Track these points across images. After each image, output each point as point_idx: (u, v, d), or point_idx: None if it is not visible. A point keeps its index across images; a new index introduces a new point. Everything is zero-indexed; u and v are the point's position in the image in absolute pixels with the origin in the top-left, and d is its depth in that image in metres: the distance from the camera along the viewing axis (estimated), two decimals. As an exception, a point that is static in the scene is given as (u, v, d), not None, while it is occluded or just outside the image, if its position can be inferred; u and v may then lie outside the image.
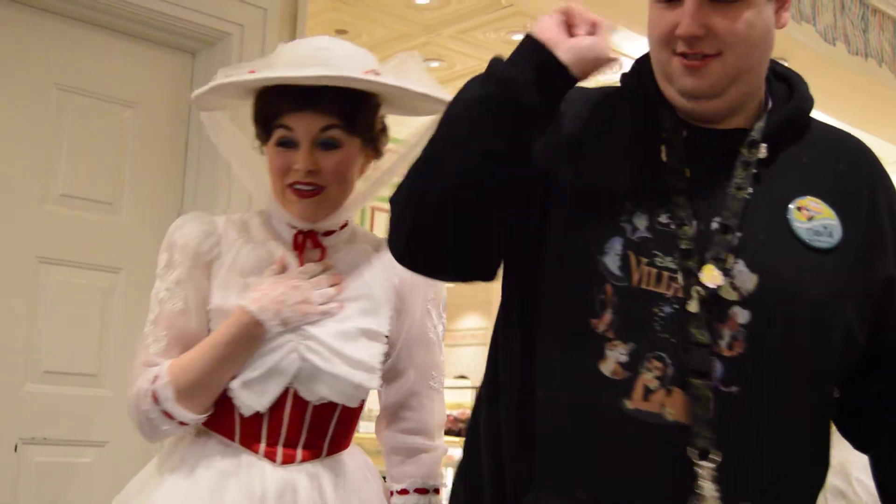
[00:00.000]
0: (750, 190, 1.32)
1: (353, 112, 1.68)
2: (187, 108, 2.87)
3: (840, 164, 1.41)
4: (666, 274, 1.27)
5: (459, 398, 8.35)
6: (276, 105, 1.67)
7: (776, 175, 1.35)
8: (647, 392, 1.24)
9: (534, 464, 1.30)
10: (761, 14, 1.32)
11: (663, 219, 1.30)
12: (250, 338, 1.61)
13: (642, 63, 1.44)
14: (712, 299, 1.25)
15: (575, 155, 1.38)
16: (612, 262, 1.29)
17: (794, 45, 5.09)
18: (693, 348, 1.24)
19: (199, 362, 1.60)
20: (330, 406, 1.67)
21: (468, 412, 5.98)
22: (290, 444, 1.65)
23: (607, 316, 1.27)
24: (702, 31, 1.29)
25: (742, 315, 1.26)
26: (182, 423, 1.60)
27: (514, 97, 1.25)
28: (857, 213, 1.35)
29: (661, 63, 1.36)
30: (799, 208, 1.32)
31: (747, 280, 1.27)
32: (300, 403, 1.65)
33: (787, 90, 1.44)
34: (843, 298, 1.31)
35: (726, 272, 1.26)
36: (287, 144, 1.66)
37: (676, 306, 1.26)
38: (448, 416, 6.21)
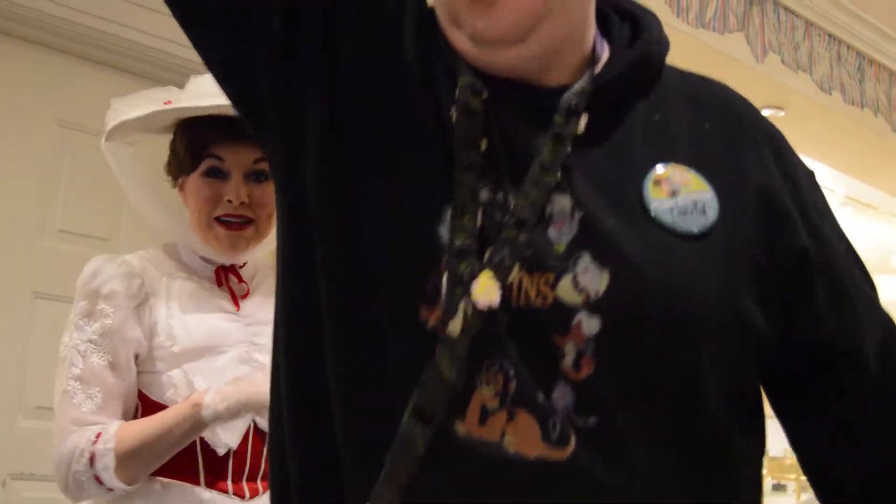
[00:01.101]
0: (558, 174, 0.95)
1: None
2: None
3: (708, 121, 1.07)
4: None
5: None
6: (205, 135, 1.63)
7: (625, 138, 1.01)
8: (485, 413, 0.90)
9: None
10: None
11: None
12: (197, 431, 1.55)
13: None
14: (482, 321, 0.90)
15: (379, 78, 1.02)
16: (446, 233, 0.94)
17: (791, 94, 5.14)
18: (524, 368, 0.90)
19: (146, 439, 1.54)
20: None
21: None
22: (253, 477, 1.64)
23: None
24: None
25: (589, 324, 0.91)
26: (109, 490, 1.55)
27: None
28: (739, 178, 1.03)
29: (447, 2, 1.00)
30: (657, 182, 0.99)
31: (595, 278, 0.92)
32: (260, 435, 1.63)
33: (632, 33, 1.08)
34: (728, 292, 0.97)
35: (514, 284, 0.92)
36: (216, 175, 1.63)
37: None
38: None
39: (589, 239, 0.93)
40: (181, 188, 1.71)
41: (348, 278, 0.97)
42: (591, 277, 0.91)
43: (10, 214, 2.62)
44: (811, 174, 1.12)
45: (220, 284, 1.70)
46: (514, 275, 0.92)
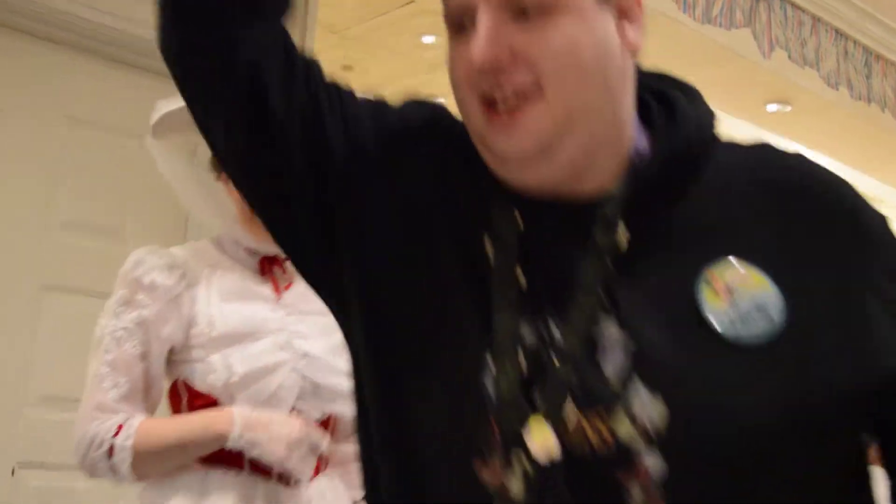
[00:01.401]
0: (602, 297, 0.89)
1: None
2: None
3: (770, 205, 0.94)
4: None
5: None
6: None
7: (671, 245, 0.92)
8: None
9: None
10: (590, 26, 0.92)
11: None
12: (218, 446, 1.56)
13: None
14: (542, 474, 0.84)
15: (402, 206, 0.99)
16: (491, 383, 0.88)
17: (798, 90, 5.13)
18: None
19: (165, 446, 1.57)
20: (328, 420, 1.66)
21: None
22: None
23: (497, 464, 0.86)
24: (504, 51, 0.90)
25: (653, 463, 0.83)
26: (120, 481, 1.59)
27: None
28: (812, 273, 0.90)
29: (470, 119, 0.96)
30: (710, 285, 0.89)
31: (652, 410, 0.84)
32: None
33: (668, 116, 0.99)
34: (803, 408, 0.85)
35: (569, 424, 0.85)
36: None
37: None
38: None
39: (641, 366, 0.85)
40: (225, 181, 1.72)
41: (402, 438, 0.94)
42: (648, 410, 0.84)
43: (18, 208, 2.64)
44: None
45: (263, 274, 1.71)
46: (568, 414, 0.85)
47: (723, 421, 0.83)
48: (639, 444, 0.83)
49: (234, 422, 1.55)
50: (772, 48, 4.85)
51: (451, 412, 0.90)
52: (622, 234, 0.91)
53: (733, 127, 6.16)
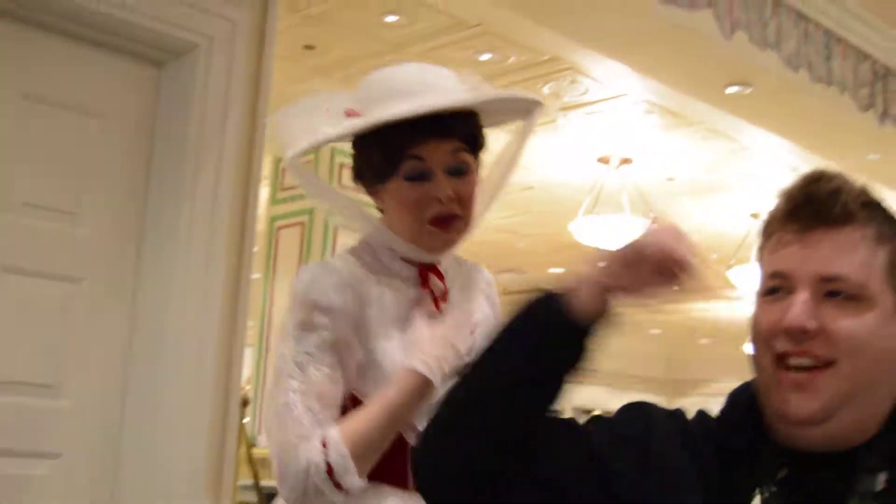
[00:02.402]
0: None
1: (474, 133, 1.66)
2: (153, 119, 2.87)
3: None
4: None
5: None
6: (400, 137, 1.60)
7: None
8: None
9: None
10: (888, 323, 1.08)
11: None
12: (422, 397, 1.55)
13: (740, 394, 1.21)
14: None
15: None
16: None
17: (759, 71, 5.16)
18: None
19: (373, 427, 1.55)
20: None
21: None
22: None
23: None
24: (813, 323, 1.06)
25: None
26: (347, 493, 1.53)
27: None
28: None
29: (761, 372, 1.13)
30: None
31: None
32: None
33: None
34: None
35: None
36: (419, 177, 1.60)
37: None
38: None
39: None
40: (374, 194, 1.71)
41: None
42: None
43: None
44: None
45: (423, 285, 1.70)
46: None
47: None
48: None
49: (415, 364, 1.56)
50: (733, 30, 4.87)
51: None
52: (881, 479, 1.07)
53: (692, 107, 6.18)
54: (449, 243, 1.67)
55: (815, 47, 5.39)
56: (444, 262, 1.73)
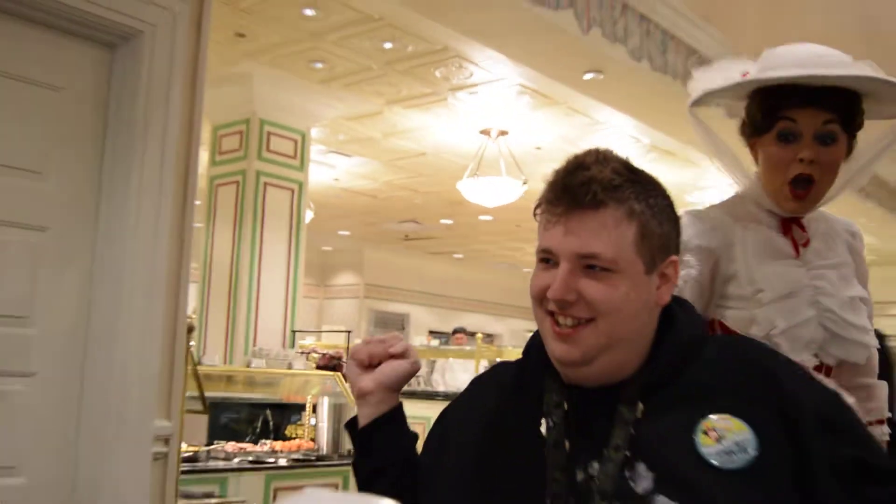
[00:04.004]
0: (627, 453, 1.06)
1: (851, 111, 1.58)
2: (107, 93, 2.81)
3: (743, 375, 1.13)
4: None
5: (336, 340, 8.40)
6: (780, 100, 1.55)
7: (680, 404, 1.10)
8: None
9: None
10: (638, 286, 1.11)
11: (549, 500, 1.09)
12: None
13: (535, 337, 1.24)
14: None
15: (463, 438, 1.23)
16: None
17: (609, 61, 5.26)
18: None
19: None
20: (841, 365, 1.62)
21: (342, 352, 6.01)
22: None
23: None
24: (572, 295, 1.09)
25: None
26: None
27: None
28: (768, 414, 1.08)
29: (539, 322, 1.16)
30: (706, 431, 1.07)
31: None
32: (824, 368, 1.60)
33: (669, 324, 1.17)
34: None
35: None
36: (787, 138, 1.55)
37: None
38: (324, 354, 6.22)
39: (662, 487, 1.03)
40: (752, 147, 1.65)
41: None
42: None
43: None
44: (822, 399, 1.13)
45: (784, 234, 1.63)
46: None
47: None
48: None
49: None
50: (590, 26, 4.94)
51: None
52: (640, 408, 1.10)
53: (556, 90, 6.26)
54: (800, 210, 1.61)
55: (654, 43, 5.51)
56: (808, 216, 1.66)
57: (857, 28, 8.46)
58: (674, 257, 1.15)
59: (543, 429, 1.14)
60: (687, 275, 1.56)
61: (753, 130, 1.62)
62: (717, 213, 1.66)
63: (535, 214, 1.16)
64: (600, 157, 1.13)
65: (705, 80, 1.66)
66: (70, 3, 2.61)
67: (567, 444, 1.11)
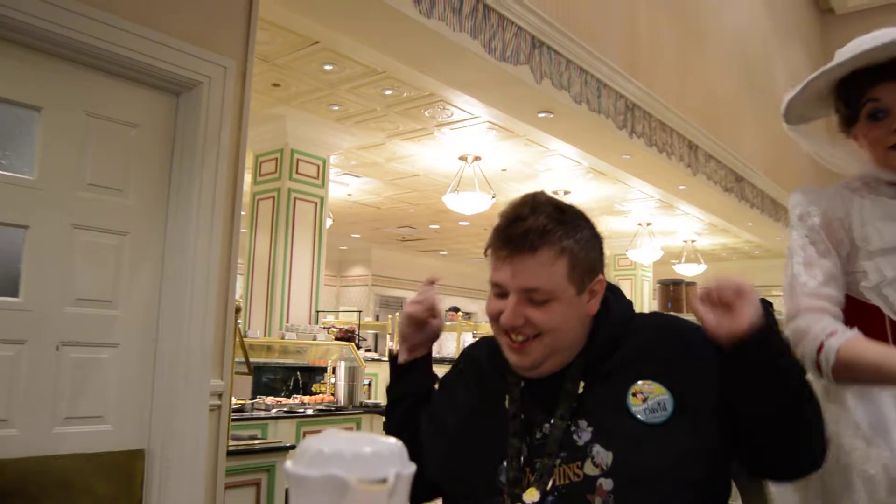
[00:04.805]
0: (568, 423, 1.08)
1: None
2: (173, 129, 2.80)
3: (666, 348, 1.12)
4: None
5: (350, 318, 8.38)
6: (857, 85, 1.29)
7: (615, 374, 1.10)
8: None
9: None
10: (572, 306, 1.09)
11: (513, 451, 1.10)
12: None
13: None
14: None
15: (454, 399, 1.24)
16: (504, 478, 1.10)
17: (557, 104, 5.27)
18: None
19: (864, 360, 1.18)
20: None
21: (355, 327, 5.95)
22: None
23: None
24: (520, 321, 1.08)
25: (607, 483, 1.03)
26: (822, 376, 1.23)
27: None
28: (686, 379, 1.08)
29: (496, 335, 1.16)
30: (634, 394, 1.07)
31: (605, 458, 1.03)
32: None
33: (605, 310, 1.15)
34: (685, 457, 1.04)
35: (554, 485, 1.05)
36: (877, 116, 1.29)
37: None
38: (341, 329, 6.17)
39: (598, 438, 1.05)
40: (855, 139, 1.37)
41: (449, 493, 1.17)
42: (603, 458, 1.04)
43: (54, 170, 2.50)
44: (713, 362, 1.08)
45: None
46: (559, 467, 1.05)
47: (641, 461, 1.03)
48: (598, 475, 1.03)
49: None
50: (542, 77, 4.95)
51: (477, 493, 1.11)
52: (580, 385, 1.10)
53: (517, 126, 6.27)
54: None
55: (591, 90, 5.53)
56: None
57: (739, 67, 8.53)
58: (599, 276, 1.13)
59: (507, 402, 1.14)
60: (812, 224, 1.34)
61: (846, 123, 1.37)
62: (834, 188, 1.39)
63: (485, 254, 1.13)
64: (535, 205, 1.10)
65: (789, 95, 1.40)
66: (146, 61, 2.60)
67: (523, 416, 1.11)
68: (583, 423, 1.07)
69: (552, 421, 1.09)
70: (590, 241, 1.12)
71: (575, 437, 1.07)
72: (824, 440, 1.06)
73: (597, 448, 1.04)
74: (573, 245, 1.09)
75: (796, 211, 1.37)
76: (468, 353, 1.32)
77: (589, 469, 1.04)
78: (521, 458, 1.08)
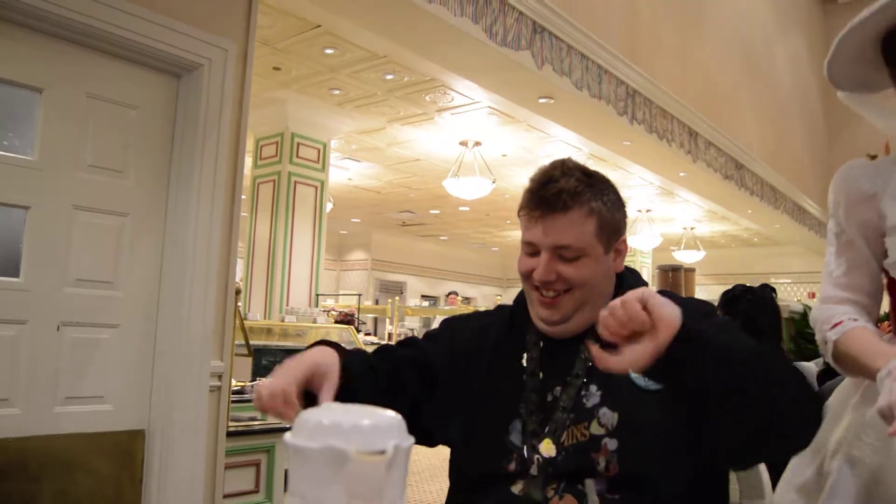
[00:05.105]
0: (584, 380, 1.13)
1: None
2: (174, 111, 2.80)
3: None
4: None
5: (349, 302, 8.40)
6: None
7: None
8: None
9: None
10: (600, 262, 1.15)
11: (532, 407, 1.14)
12: (871, 377, 1.14)
13: (520, 295, 1.26)
14: (546, 464, 1.10)
15: (464, 366, 1.23)
16: (516, 438, 1.14)
17: (558, 90, 5.26)
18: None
19: (853, 353, 1.20)
20: None
21: (354, 310, 5.97)
22: None
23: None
24: (552, 276, 1.13)
25: (611, 443, 1.08)
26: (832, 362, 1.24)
27: None
28: None
29: (526, 292, 1.20)
30: None
31: (611, 419, 1.09)
32: None
33: (619, 285, 1.20)
34: (676, 421, 1.04)
35: (565, 440, 1.09)
36: None
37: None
38: (340, 312, 6.19)
39: (605, 400, 1.11)
40: None
41: (459, 455, 1.20)
42: (609, 418, 1.09)
43: (57, 151, 2.50)
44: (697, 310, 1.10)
45: None
46: (568, 427, 1.10)
47: (643, 422, 1.07)
48: (603, 435, 1.08)
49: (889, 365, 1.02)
50: (543, 63, 4.94)
51: (488, 453, 1.14)
52: (597, 348, 1.07)
53: (518, 111, 6.26)
54: None
55: (592, 76, 5.51)
56: None
57: (740, 54, 8.50)
58: (623, 237, 1.19)
59: (524, 361, 1.19)
60: (845, 212, 1.29)
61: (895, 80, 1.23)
62: (882, 160, 1.30)
63: (519, 215, 1.18)
64: (565, 169, 1.16)
65: (827, 59, 1.29)
66: (148, 43, 2.60)
67: (541, 374, 1.16)
68: (593, 388, 1.12)
69: (566, 379, 1.14)
70: (615, 204, 1.17)
71: (584, 400, 1.12)
72: (801, 422, 0.99)
73: (603, 409, 1.10)
74: (601, 206, 1.14)
75: (829, 197, 1.32)
76: (489, 315, 1.32)
77: (595, 429, 1.09)
78: (540, 413, 1.13)
